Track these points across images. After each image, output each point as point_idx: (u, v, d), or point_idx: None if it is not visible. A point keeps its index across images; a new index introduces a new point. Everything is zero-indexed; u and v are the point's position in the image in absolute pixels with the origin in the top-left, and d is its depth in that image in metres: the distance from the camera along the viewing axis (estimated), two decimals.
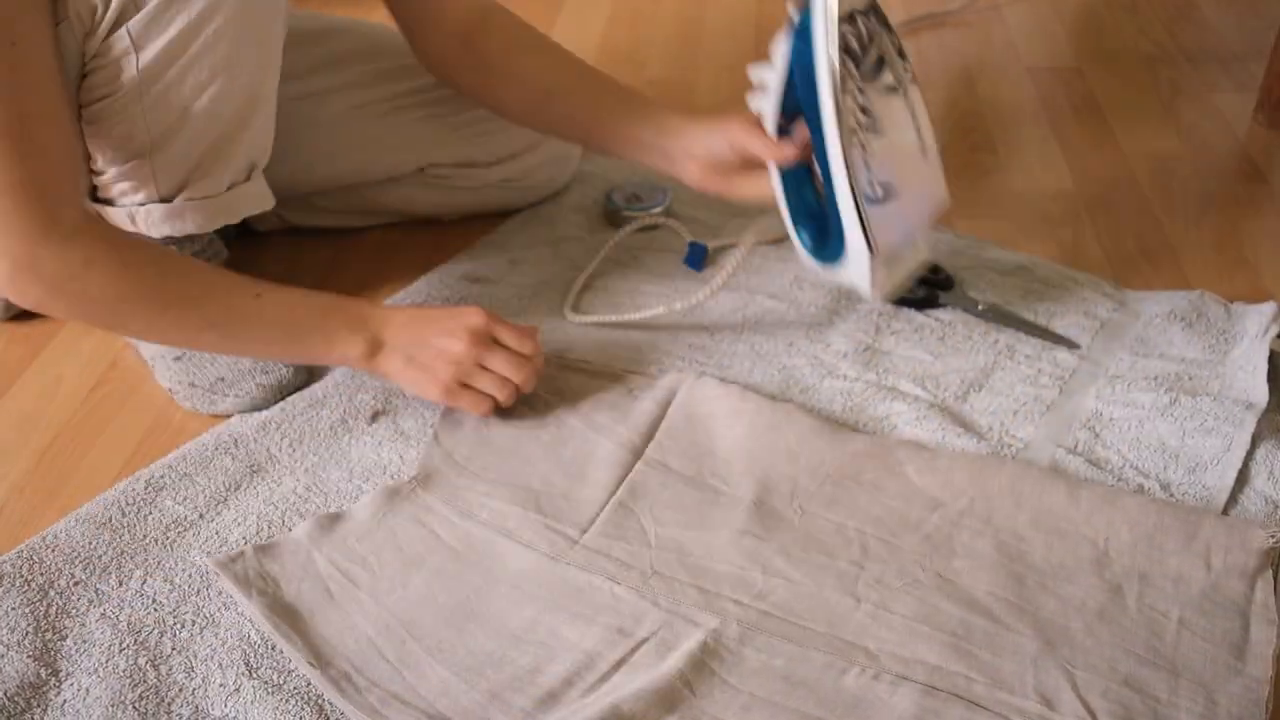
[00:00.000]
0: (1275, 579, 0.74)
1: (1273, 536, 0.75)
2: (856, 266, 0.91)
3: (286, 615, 0.75)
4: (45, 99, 0.80)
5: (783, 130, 0.92)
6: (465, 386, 0.88)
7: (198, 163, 0.91)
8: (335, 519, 0.83)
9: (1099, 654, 0.70)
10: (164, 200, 0.93)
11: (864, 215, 0.87)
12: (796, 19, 0.85)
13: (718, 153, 0.99)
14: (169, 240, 0.97)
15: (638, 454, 0.88)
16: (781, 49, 0.88)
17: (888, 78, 0.86)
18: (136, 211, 0.92)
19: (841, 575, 0.77)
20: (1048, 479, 0.82)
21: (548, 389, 0.94)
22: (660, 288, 1.10)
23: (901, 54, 0.87)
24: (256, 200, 0.99)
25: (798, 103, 0.88)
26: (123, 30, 0.82)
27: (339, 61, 1.12)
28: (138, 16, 0.82)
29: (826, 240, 0.94)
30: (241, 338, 0.88)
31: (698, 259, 1.13)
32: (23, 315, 1.11)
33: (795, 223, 0.97)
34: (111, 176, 0.91)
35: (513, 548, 0.80)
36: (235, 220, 0.97)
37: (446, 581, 0.78)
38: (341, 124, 1.12)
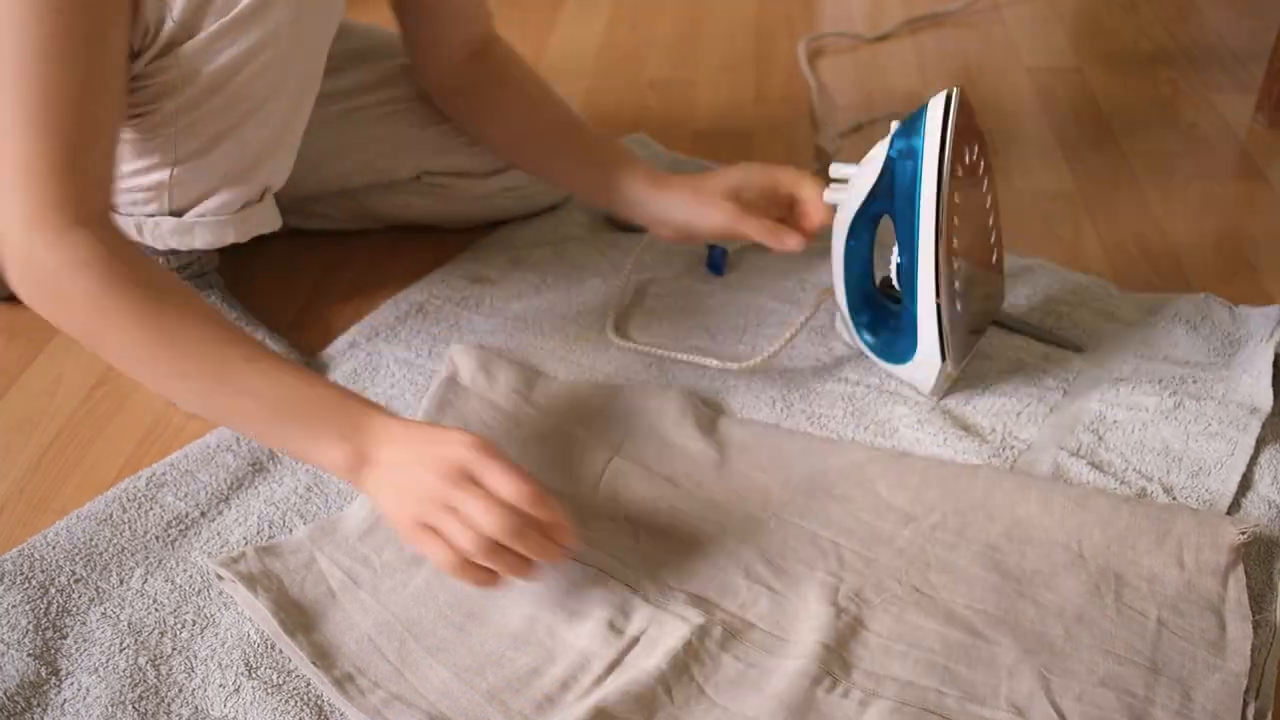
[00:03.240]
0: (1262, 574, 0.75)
1: (1243, 533, 0.76)
2: (923, 372, 0.92)
3: (292, 613, 0.75)
4: (106, 103, 0.77)
5: (856, 226, 0.92)
6: (427, 528, 0.72)
7: (217, 184, 0.91)
8: (336, 520, 0.82)
9: (1077, 658, 0.70)
10: (174, 214, 0.92)
11: (945, 333, 0.88)
12: (897, 128, 0.87)
13: (690, 218, 0.99)
14: (167, 255, 0.96)
15: (613, 450, 0.89)
16: (878, 155, 0.88)
17: (977, 192, 0.88)
18: (145, 222, 0.91)
19: (822, 585, 0.77)
20: (1019, 489, 0.82)
21: (522, 394, 0.94)
22: (682, 301, 1.10)
23: (988, 163, 0.90)
24: (266, 221, 0.97)
25: (885, 209, 0.89)
26: (173, 55, 0.81)
27: (335, 68, 1.11)
28: (190, 44, 0.81)
29: (892, 340, 0.94)
30: (215, 399, 0.78)
31: (718, 263, 1.13)
32: (16, 299, 1.11)
33: (854, 315, 0.96)
34: (127, 187, 0.90)
35: None
36: (243, 240, 0.96)
37: (446, 579, 0.78)
38: (336, 127, 1.11)
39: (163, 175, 0.89)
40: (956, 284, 0.87)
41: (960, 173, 0.84)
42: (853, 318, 0.96)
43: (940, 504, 0.82)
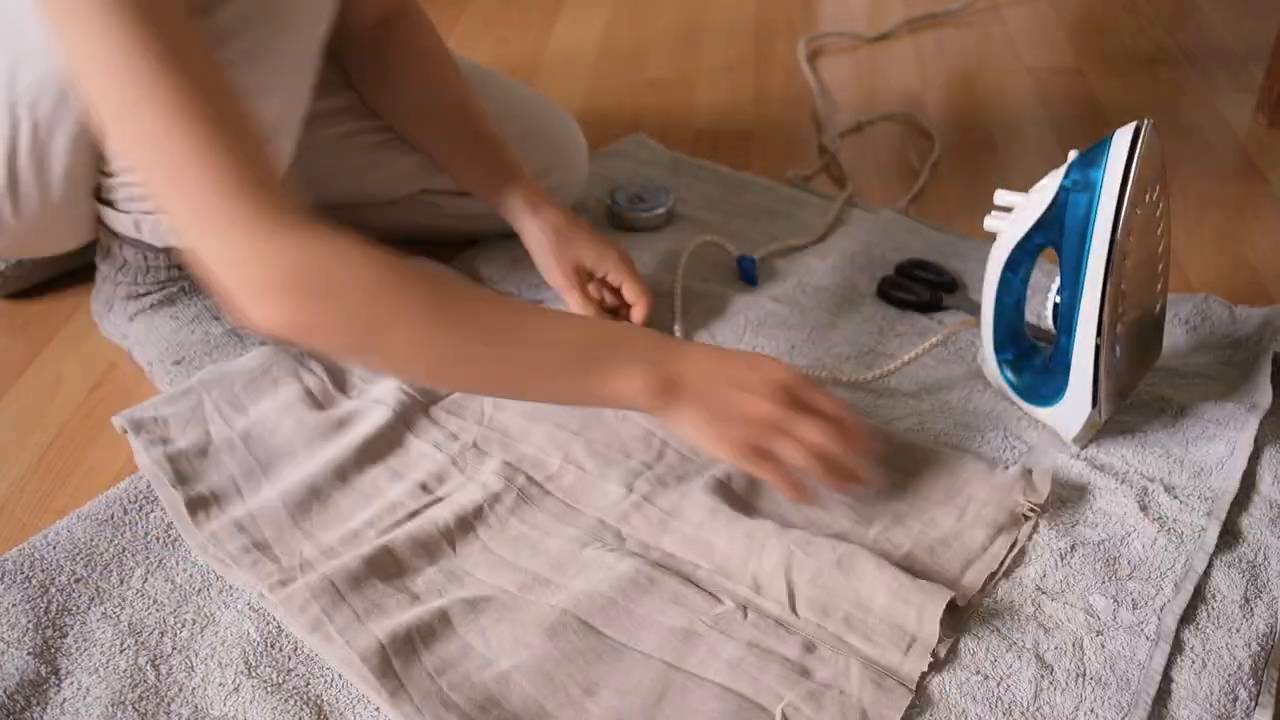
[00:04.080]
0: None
1: (1031, 508, 0.80)
2: (1070, 417, 0.87)
3: (172, 463, 0.85)
4: (220, 75, 0.69)
5: (1016, 257, 0.88)
6: (758, 450, 0.75)
7: None
8: (230, 366, 0.94)
9: (819, 551, 0.75)
10: None
11: (1100, 378, 0.83)
12: (1076, 157, 0.83)
13: (571, 261, 1.01)
14: (166, 251, 0.96)
15: None
16: (1050, 184, 0.84)
17: (1151, 236, 0.84)
18: (143, 220, 0.91)
19: (628, 470, 0.85)
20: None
21: None
22: (729, 302, 1.09)
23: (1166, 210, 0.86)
24: None
25: (1050, 242, 0.85)
26: None
27: (326, 85, 1.10)
28: None
29: (1038, 381, 0.89)
30: (511, 364, 0.74)
31: (751, 272, 1.12)
32: (17, 295, 1.11)
33: (998, 351, 0.91)
34: (125, 181, 0.90)
35: (371, 408, 0.90)
36: None
37: (305, 433, 0.88)
38: (333, 150, 1.08)
39: None
40: (1119, 328, 0.83)
41: (1139, 212, 0.80)
42: (996, 354, 0.91)
43: None
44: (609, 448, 0.87)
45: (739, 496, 0.82)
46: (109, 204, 0.93)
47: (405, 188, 1.13)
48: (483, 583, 0.76)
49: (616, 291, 1.02)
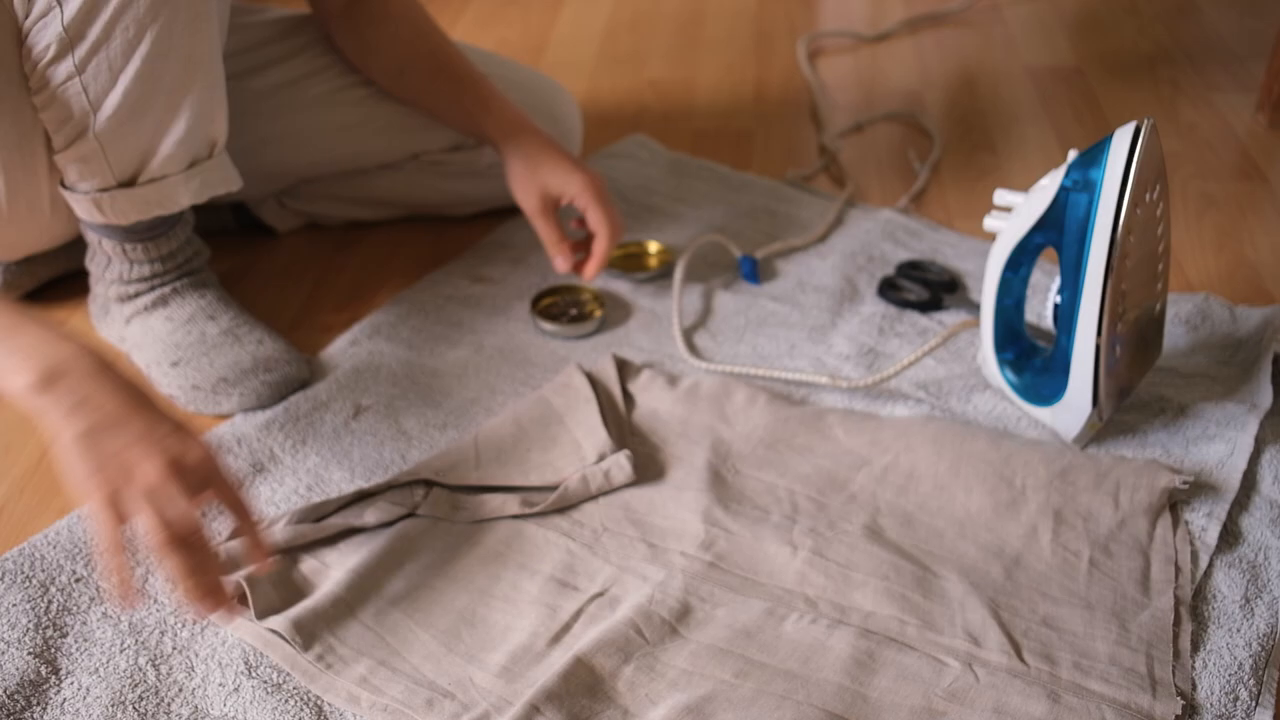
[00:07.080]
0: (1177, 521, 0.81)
1: (1184, 482, 0.81)
2: (1069, 417, 0.87)
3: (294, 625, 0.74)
4: None
5: (1016, 257, 0.88)
6: (115, 501, 0.65)
7: (150, 137, 0.88)
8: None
9: (1019, 596, 0.75)
10: (124, 185, 0.90)
11: (1100, 378, 0.83)
12: (1075, 157, 0.82)
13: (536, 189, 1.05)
14: (150, 231, 0.95)
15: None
16: (1049, 184, 0.84)
17: (1151, 236, 0.83)
18: (101, 198, 0.90)
19: (777, 527, 0.81)
20: (971, 430, 0.87)
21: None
22: (730, 302, 1.10)
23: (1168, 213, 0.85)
24: (222, 179, 0.95)
25: (1050, 242, 0.85)
26: None
27: (310, 46, 1.12)
28: None
29: (1037, 381, 0.89)
30: None
31: (753, 272, 1.12)
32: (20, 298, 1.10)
33: (998, 350, 0.91)
34: (66, 156, 0.88)
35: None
36: (201, 200, 0.94)
37: (413, 545, 0.80)
38: (322, 107, 1.11)
39: (91, 140, 0.87)
40: (1119, 328, 0.83)
41: (1139, 212, 0.80)
42: (997, 354, 0.91)
43: (894, 444, 0.86)
44: (742, 504, 0.83)
45: (894, 543, 0.79)
46: (70, 189, 0.92)
47: (401, 145, 1.15)
48: (692, 675, 0.70)
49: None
